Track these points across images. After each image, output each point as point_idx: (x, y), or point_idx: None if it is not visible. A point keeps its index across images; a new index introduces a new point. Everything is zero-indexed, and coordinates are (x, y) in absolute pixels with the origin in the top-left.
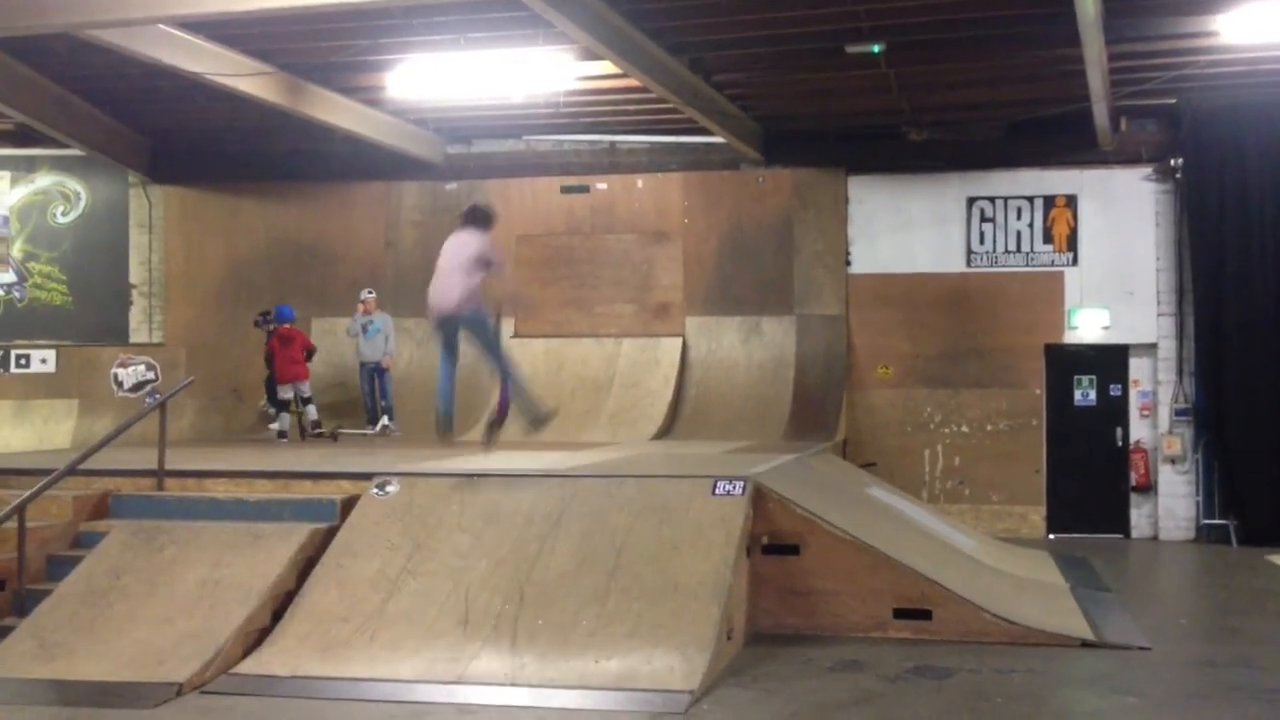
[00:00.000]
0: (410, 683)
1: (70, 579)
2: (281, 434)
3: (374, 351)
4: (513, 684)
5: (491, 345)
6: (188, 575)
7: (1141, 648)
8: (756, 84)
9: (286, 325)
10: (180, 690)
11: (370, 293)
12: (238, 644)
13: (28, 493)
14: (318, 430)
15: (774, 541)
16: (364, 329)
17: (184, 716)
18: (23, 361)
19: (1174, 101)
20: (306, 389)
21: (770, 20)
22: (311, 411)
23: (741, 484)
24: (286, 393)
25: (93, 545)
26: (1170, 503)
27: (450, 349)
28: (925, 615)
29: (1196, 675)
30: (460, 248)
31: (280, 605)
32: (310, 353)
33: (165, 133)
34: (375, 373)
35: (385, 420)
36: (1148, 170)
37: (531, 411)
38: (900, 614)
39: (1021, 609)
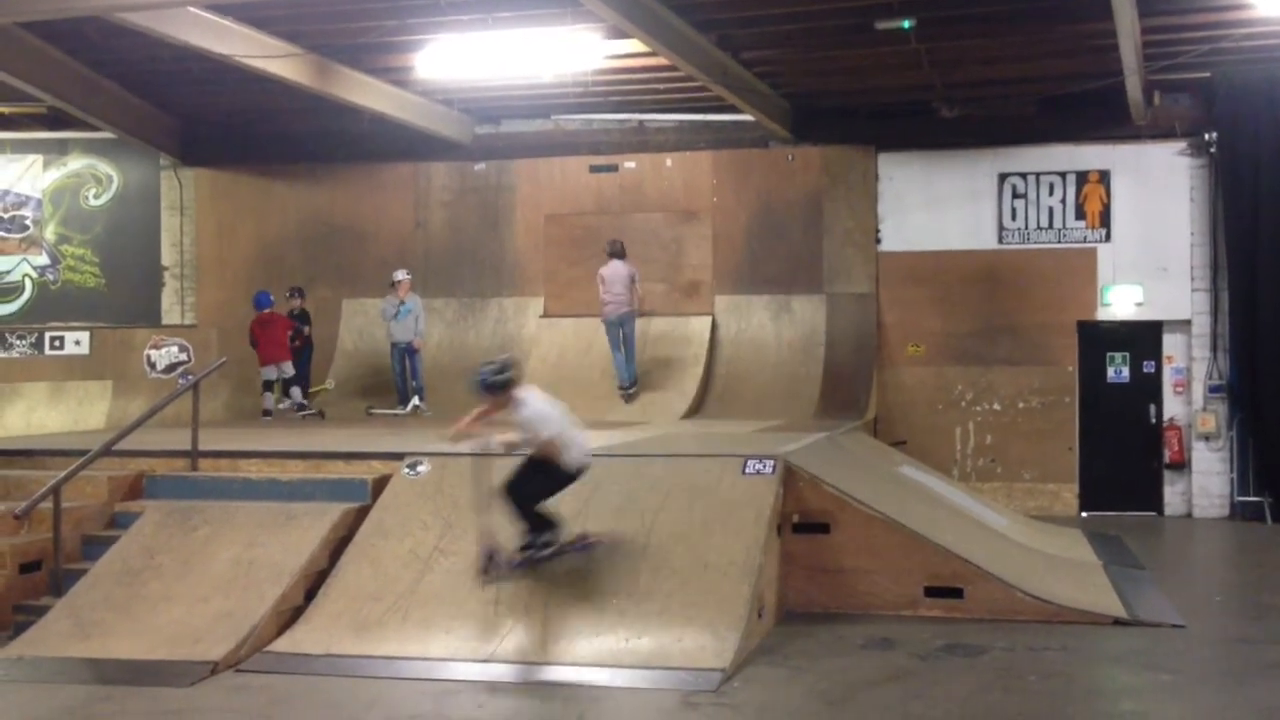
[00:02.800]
0: (443, 661)
1: (105, 559)
2: (266, 412)
3: (405, 332)
4: (544, 663)
5: (633, 335)
6: (221, 555)
7: (1175, 625)
8: (785, 61)
9: (266, 311)
10: (215, 669)
11: (406, 274)
12: (271, 623)
13: (63, 473)
14: (302, 411)
15: (804, 520)
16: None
17: (219, 695)
18: (57, 344)
19: (1208, 75)
20: (289, 369)
21: None
22: (296, 394)
23: (771, 463)
24: (270, 374)
25: (128, 525)
26: (1204, 480)
27: (619, 340)
28: (957, 593)
29: (1231, 652)
30: (621, 272)
31: (313, 584)
32: (296, 332)
33: (195, 115)
34: (406, 353)
35: (416, 400)
36: (1181, 145)
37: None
38: (932, 592)
39: (1054, 587)
